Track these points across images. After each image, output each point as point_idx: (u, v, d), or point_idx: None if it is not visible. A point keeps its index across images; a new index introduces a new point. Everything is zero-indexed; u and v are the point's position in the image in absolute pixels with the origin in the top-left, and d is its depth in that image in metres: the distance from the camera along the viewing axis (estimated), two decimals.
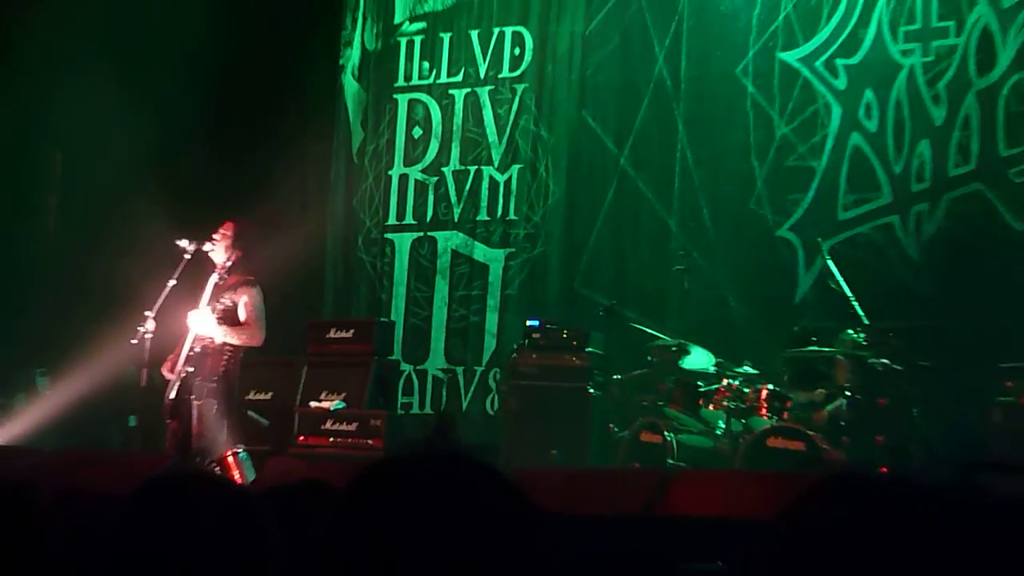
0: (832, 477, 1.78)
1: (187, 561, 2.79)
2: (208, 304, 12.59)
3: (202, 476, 3.26)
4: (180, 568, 2.79)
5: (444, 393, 17.40)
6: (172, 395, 12.37)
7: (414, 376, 17.43)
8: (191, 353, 12.50)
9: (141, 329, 13.13)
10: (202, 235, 13.63)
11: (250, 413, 14.13)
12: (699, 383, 14.01)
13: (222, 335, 12.60)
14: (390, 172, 18.15)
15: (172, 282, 13.34)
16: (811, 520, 1.70)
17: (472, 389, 17.22)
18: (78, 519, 3.17)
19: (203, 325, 12.49)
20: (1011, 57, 14.99)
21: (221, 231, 12.85)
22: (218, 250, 12.83)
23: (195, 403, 12.41)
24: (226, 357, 12.69)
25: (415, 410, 17.26)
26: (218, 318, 12.60)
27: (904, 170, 15.41)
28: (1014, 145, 14.90)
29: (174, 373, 12.49)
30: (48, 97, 16.66)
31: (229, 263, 12.80)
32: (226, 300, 12.71)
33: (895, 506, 1.67)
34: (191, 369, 12.44)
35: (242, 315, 12.74)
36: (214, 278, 12.67)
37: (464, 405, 17.22)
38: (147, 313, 13.27)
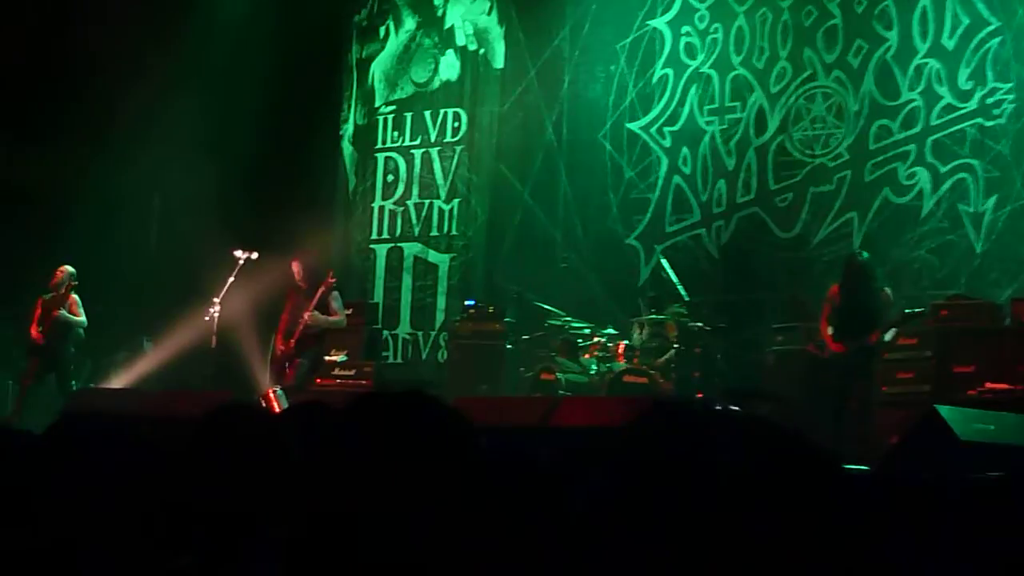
0: (652, 404, 1.81)
1: (240, 460, 2.80)
2: (316, 306, 12.86)
3: (250, 407, 3.28)
4: (235, 465, 2.80)
5: (410, 349, 17.40)
6: (284, 358, 12.93)
7: (390, 338, 17.39)
8: (301, 335, 12.83)
9: (212, 310, 13.30)
10: (250, 248, 13.67)
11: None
12: (578, 340, 14.10)
13: (324, 324, 12.96)
14: (372, 204, 18.08)
15: (231, 279, 13.46)
16: (640, 431, 1.72)
17: (428, 346, 17.22)
18: (172, 434, 3.16)
19: (313, 320, 12.83)
20: (776, 125, 15.09)
21: (295, 271, 12.99)
22: (299, 279, 13.04)
23: (300, 363, 12.87)
24: (320, 338, 13.19)
25: (391, 360, 17.21)
26: (319, 313, 12.91)
27: (708, 199, 15.48)
28: (779, 182, 15.01)
29: (285, 346, 12.91)
30: (151, 154, 16.53)
31: (308, 285, 12.98)
32: (322, 303, 12.93)
33: (690, 421, 1.70)
34: (301, 343, 12.86)
35: (331, 311, 13.04)
36: (321, 290, 12.94)
37: (424, 356, 17.19)
38: (215, 300, 13.41)
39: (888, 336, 11.67)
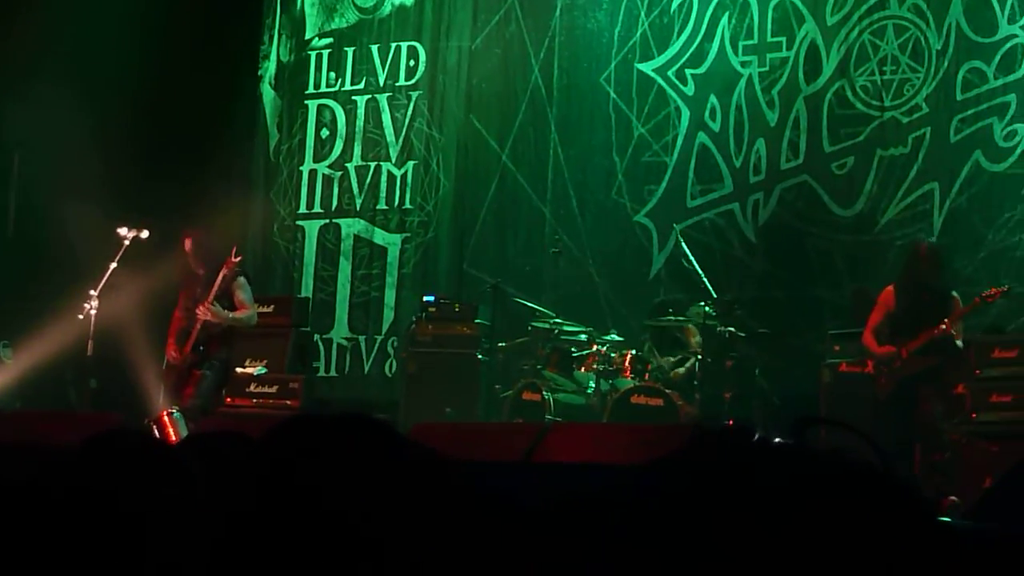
0: (698, 433, 1.77)
1: (126, 503, 2.75)
2: (215, 297, 12.57)
3: (144, 435, 3.23)
4: (120, 509, 2.76)
5: (348, 359, 17.36)
6: (181, 369, 12.67)
7: (320, 343, 17.37)
8: (200, 338, 12.59)
9: (87, 306, 13.22)
10: (139, 224, 13.58)
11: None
12: (572, 349, 14.11)
13: (227, 321, 12.65)
14: (301, 168, 18.07)
15: (113, 265, 13.39)
16: (676, 468, 1.68)
17: (373, 355, 17.20)
18: (38, 467, 3.11)
19: (213, 315, 12.52)
20: (833, 67, 15.10)
21: (186, 249, 12.81)
22: (194, 262, 12.80)
23: (202, 376, 12.64)
24: (229, 343, 12.93)
25: (321, 373, 17.20)
26: (219, 306, 12.64)
27: (743, 164, 15.49)
28: (836, 142, 15.02)
29: (179, 353, 12.66)
30: (9, 106, 16.45)
31: (205, 268, 12.73)
32: (225, 292, 12.68)
33: (745, 461, 1.66)
34: (201, 349, 12.60)
35: (237, 303, 12.76)
36: (223, 274, 12.60)
37: (366, 369, 17.19)
38: (92, 292, 13.29)
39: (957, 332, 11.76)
